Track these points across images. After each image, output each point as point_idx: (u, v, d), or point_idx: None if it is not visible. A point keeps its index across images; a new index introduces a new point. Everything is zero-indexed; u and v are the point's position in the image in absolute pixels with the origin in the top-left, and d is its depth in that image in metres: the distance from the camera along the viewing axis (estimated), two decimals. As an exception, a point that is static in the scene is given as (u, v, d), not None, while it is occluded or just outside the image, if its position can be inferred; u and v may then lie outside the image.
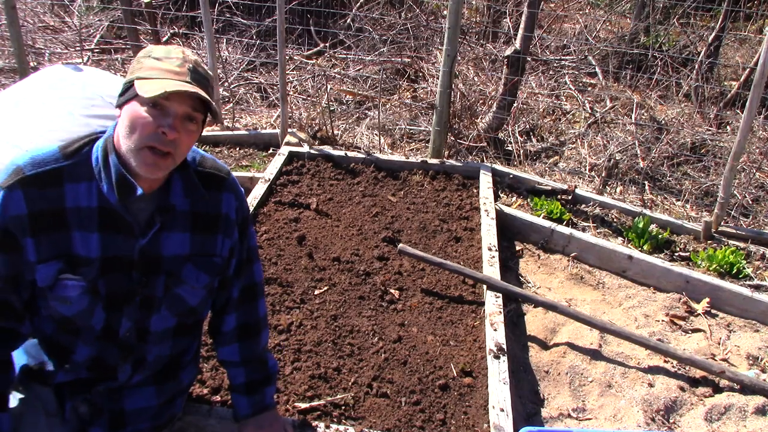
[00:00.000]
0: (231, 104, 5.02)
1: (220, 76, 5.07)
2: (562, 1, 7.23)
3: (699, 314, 2.96)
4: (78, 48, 5.74)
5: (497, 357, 2.28)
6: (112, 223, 1.41)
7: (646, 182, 4.21)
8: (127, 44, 5.78)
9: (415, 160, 3.97)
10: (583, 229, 3.54)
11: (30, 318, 1.49)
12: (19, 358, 1.56)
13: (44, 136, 1.84)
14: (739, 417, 2.31)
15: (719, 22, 5.37)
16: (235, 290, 1.68)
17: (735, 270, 3.19)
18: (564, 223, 3.54)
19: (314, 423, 1.92)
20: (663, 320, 2.88)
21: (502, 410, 2.05)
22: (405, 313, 2.62)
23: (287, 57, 5.72)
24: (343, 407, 2.09)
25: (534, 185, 3.89)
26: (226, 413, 1.88)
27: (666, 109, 5.27)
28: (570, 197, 3.78)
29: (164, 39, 6.03)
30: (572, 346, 2.65)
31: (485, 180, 3.76)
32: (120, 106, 1.37)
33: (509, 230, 3.54)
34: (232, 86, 5.36)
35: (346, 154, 3.96)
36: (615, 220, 3.67)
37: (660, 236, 3.42)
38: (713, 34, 5.40)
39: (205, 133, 4.32)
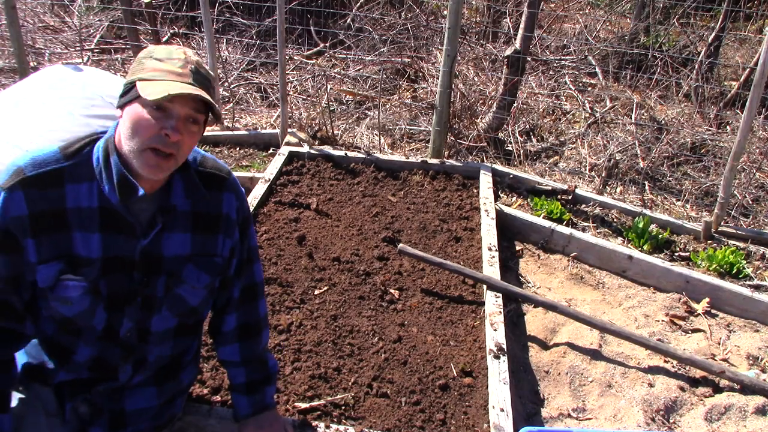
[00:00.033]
0: (231, 104, 5.02)
1: (220, 76, 5.07)
2: (562, 1, 7.23)
3: (699, 314, 2.96)
4: (78, 48, 5.74)
5: (497, 357, 2.28)
6: (114, 224, 1.41)
7: (646, 182, 4.21)
8: (127, 44, 5.78)
9: (415, 160, 3.97)
10: (583, 229, 3.54)
11: (32, 319, 1.49)
12: (20, 357, 1.56)
13: (44, 136, 1.84)
14: (739, 417, 2.31)
15: (719, 22, 5.37)
16: (235, 290, 1.68)
17: (735, 270, 3.19)
18: (564, 223, 3.54)
19: (314, 423, 1.92)
20: (663, 320, 2.88)
21: (502, 410, 2.05)
22: (405, 313, 2.62)
23: (287, 57, 5.72)
24: (343, 407, 2.09)
25: (534, 185, 3.89)
26: (226, 413, 1.88)
27: (666, 109, 5.27)
28: (570, 197, 3.78)
29: (164, 39, 6.03)
30: (572, 346, 2.65)
31: (485, 180, 3.76)
32: (121, 107, 1.36)
33: (509, 230, 3.54)
34: (232, 86, 5.36)
35: (346, 154, 3.96)
36: (615, 220, 3.67)
37: (660, 236, 3.42)
38: (713, 34, 5.40)
39: (205, 133, 4.30)
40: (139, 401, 1.62)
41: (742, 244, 3.45)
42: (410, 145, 4.70)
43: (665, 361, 2.58)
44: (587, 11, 7.18)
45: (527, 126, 5.01)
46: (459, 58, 5.26)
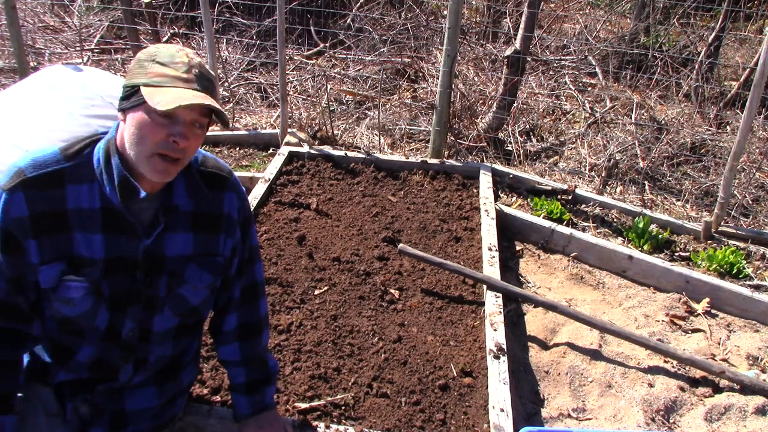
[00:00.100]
0: (231, 104, 5.02)
1: (220, 76, 5.07)
2: (562, 1, 7.23)
3: (699, 314, 2.96)
4: (78, 48, 5.74)
5: (497, 357, 2.29)
6: (116, 224, 1.41)
7: (646, 182, 4.21)
8: (127, 44, 5.78)
9: (415, 160, 3.97)
10: (583, 229, 3.54)
11: (38, 320, 1.49)
12: (20, 357, 1.57)
13: (44, 136, 1.83)
14: (739, 417, 2.31)
15: (719, 22, 5.37)
16: (236, 290, 1.68)
17: (735, 270, 3.19)
18: (564, 223, 3.54)
19: (314, 423, 1.92)
20: (663, 320, 2.88)
21: (502, 410, 2.05)
22: (405, 313, 2.62)
23: (287, 57, 5.72)
24: (343, 407, 2.09)
25: (534, 185, 3.89)
26: (226, 413, 1.88)
27: (666, 109, 5.27)
28: (570, 197, 3.78)
29: (164, 39, 6.03)
30: (572, 346, 2.65)
31: (485, 180, 3.76)
32: (124, 110, 1.34)
33: (509, 230, 3.54)
34: (232, 86, 5.36)
35: (346, 154, 3.96)
36: (615, 220, 3.67)
37: (660, 236, 3.42)
38: (713, 34, 5.40)
39: (205, 133, 4.31)
40: (139, 401, 1.62)
41: (742, 244, 3.45)
42: (410, 145, 4.70)
43: (665, 361, 2.58)
44: (587, 11, 7.18)
45: (527, 126, 5.01)
46: (459, 58, 5.26)
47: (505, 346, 2.34)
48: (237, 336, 1.71)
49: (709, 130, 4.83)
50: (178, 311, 1.55)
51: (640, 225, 3.45)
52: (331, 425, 1.93)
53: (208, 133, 4.40)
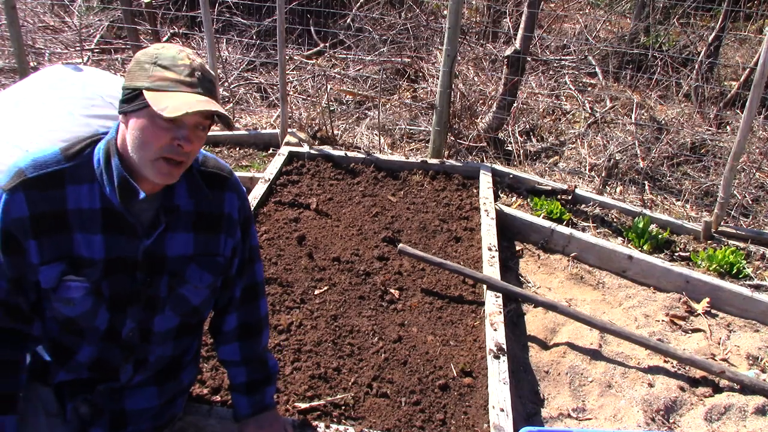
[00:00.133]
0: (231, 104, 5.02)
1: (220, 76, 5.07)
2: (562, 1, 7.23)
3: (699, 314, 2.96)
4: (78, 48, 5.74)
5: (497, 357, 2.29)
6: (116, 225, 1.41)
7: (646, 182, 4.21)
8: (127, 44, 5.78)
9: (415, 160, 3.97)
10: (583, 229, 3.54)
11: (39, 320, 1.49)
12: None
13: (44, 136, 1.83)
14: (739, 417, 2.31)
15: (719, 22, 5.37)
16: (236, 290, 1.68)
17: (735, 270, 3.19)
18: (564, 223, 3.54)
19: (314, 423, 1.92)
20: (663, 320, 2.88)
21: (502, 410, 2.05)
22: (405, 313, 2.62)
23: (287, 57, 5.72)
24: (343, 407, 2.09)
25: (534, 185, 3.89)
26: (226, 413, 1.88)
27: (666, 109, 5.27)
28: (570, 197, 3.78)
29: (164, 39, 6.03)
30: (572, 346, 2.65)
31: (485, 180, 3.76)
32: (125, 113, 1.33)
33: (509, 230, 3.54)
34: (232, 86, 5.36)
35: (346, 154, 3.96)
36: (615, 220, 3.67)
37: (660, 236, 3.42)
38: (713, 34, 5.40)
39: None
40: (139, 401, 1.62)
41: (742, 244, 3.45)
42: (410, 145, 4.70)
43: (665, 361, 2.58)
44: (587, 11, 7.18)
45: (527, 126, 5.01)
46: (459, 58, 5.26)
47: (505, 346, 2.34)
48: (237, 336, 1.71)
49: (709, 130, 4.83)
50: (179, 311, 1.56)
51: (640, 225, 3.45)
52: (331, 425, 1.93)
53: (208, 133, 4.40)
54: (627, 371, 2.52)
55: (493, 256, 2.99)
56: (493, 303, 2.62)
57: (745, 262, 3.28)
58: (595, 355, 2.61)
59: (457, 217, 3.44)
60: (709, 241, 3.49)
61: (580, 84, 5.81)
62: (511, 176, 3.95)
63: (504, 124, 4.75)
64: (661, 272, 3.14)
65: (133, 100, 1.31)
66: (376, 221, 3.32)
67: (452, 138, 4.43)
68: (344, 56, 6.05)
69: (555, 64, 6.08)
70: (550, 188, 3.83)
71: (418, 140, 4.79)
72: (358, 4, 6.50)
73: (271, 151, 4.36)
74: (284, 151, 3.93)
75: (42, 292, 1.42)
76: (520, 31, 4.45)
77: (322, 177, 3.76)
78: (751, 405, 2.33)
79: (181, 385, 1.73)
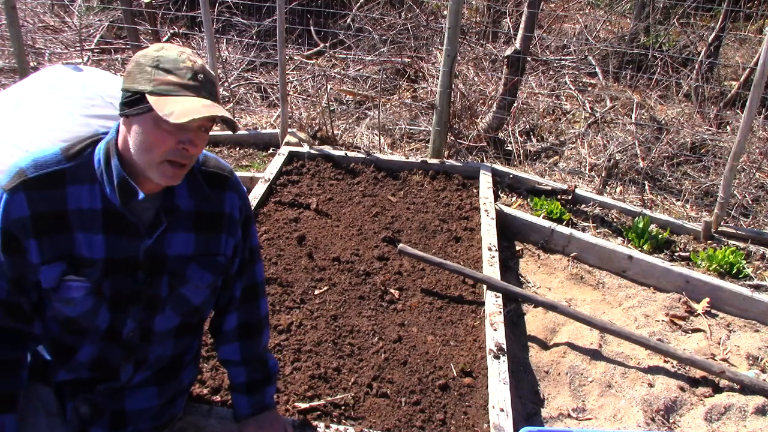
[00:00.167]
0: (231, 104, 5.02)
1: (220, 76, 5.07)
2: (562, 1, 7.23)
3: (699, 314, 2.96)
4: (78, 48, 5.74)
5: (497, 357, 2.29)
6: (117, 225, 1.41)
7: (646, 182, 4.21)
8: (127, 44, 5.78)
9: (415, 160, 3.97)
10: (583, 229, 3.54)
11: (40, 319, 1.49)
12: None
13: (44, 136, 1.83)
14: (739, 417, 2.31)
15: (719, 22, 5.37)
16: (237, 289, 1.68)
17: (735, 270, 3.19)
18: (564, 223, 3.54)
19: (314, 423, 1.92)
20: (663, 320, 2.88)
21: (502, 410, 2.05)
22: (405, 313, 2.63)
23: (287, 57, 5.72)
24: (343, 407, 2.09)
25: (534, 185, 3.89)
26: (226, 413, 1.88)
27: (666, 109, 5.27)
28: (570, 197, 3.78)
29: (164, 39, 6.03)
30: (572, 346, 2.65)
31: (485, 180, 3.76)
32: (127, 116, 1.32)
33: (509, 230, 3.54)
34: (232, 86, 5.36)
35: (346, 154, 3.97)
36: (615, 220, 3.67)
37: (660, 236, 3.42)
38: (713, 34, 5.40)
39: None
40: (139, 401, 1.62)
41: (742, 244, 3.45)
42: (410, 145, 4.70)
43: (665, 361, 2.58)
44: (587, 11, 7.18)
45: (527, 126, 5.01)
46: (459, 58, 5.26)
47: (505, 346, 2.34)
48: (237, 336, 1.71)
49: (709, 130, 4.83)
50: (180, 311, 1.56)
51: (640, 225, 3.45)
52: (331, 425, 1.93)
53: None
54: (627, 371, 2.52)
55: (493, 256, 2.99)
56: (493, 303, 2.62)
57: (745, 262, 3.28)
58: (595, 355, 2.61)
59: (457, 217, 3.44)
60: (709, 241, 3.49)
61: (580, 84, 5.82)
62: (511, 176, 3.95)
63: (504, 124, 4.75)
64: (661, 272, 3.14)
65: (135, 104, 1.30)
66: (376, 221, 3.32)
67: (452, 138, 4.43)
68: (344, 56, 6.05)
69: (555, 64, 6.08)
70: (550, 188, 3.83)
71: (418, 140, 4.79)
72: (358, 4, 6.50)
73: (271, 151, 4.36)
74: (284, 151, 3.93)
75: (43, 292, 1.42)
76: (520, 31, 4.45)
77: (322, 177, 3.76)
78: (751, 405, 2.33)
79: (181, 385, 1.73)
